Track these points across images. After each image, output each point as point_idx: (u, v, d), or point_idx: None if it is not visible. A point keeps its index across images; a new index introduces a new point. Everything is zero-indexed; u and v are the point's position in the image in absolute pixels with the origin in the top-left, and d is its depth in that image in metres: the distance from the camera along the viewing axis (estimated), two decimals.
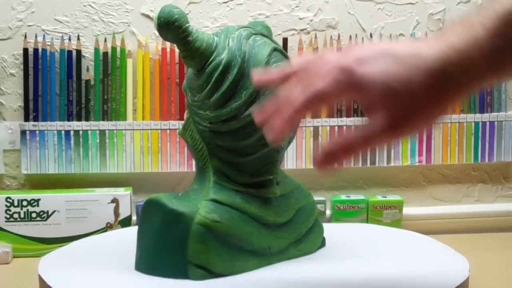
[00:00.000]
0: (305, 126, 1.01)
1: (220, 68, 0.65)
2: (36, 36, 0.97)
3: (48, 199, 0.90)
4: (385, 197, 1.00)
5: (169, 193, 0.68)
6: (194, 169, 0.98)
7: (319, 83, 0.49)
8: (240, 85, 0.65)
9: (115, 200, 0.91)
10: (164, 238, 0.65)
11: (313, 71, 0.50)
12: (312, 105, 0.50)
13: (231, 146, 0.67)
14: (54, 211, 0.90)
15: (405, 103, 0.47)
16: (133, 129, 0.98)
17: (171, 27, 0.63)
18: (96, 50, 0.98)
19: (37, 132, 0.97)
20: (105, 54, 0.98)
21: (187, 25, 0.64)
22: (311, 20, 1.03)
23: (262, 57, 0.66)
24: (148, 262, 0.66)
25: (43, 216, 0.89)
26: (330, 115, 1.02)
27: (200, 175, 0.70)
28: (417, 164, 1.05)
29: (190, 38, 0.64)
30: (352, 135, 0.50)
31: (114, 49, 0.98)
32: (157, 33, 0.65)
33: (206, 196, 0.67)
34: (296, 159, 1.01)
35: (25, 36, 0.97)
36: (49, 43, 0.97)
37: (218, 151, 0.68)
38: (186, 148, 0.99)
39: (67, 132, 0.97)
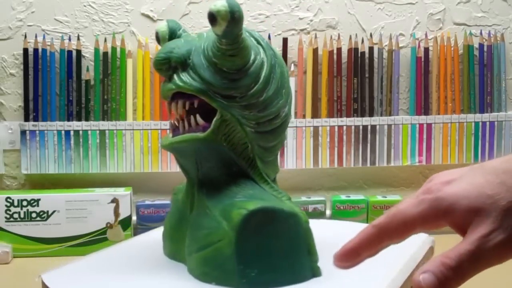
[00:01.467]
0: (305, 126, 1.01)
1: (267, 67, 0.64)
2: (36, 36, 0.97)
3: (48, 199, 0.90)
4: (385, 197, 1.00)
5: (257, 200, 0.62)
6: None
7: (402, 206, 0.45)
8: (281, 84, 0.65)
9: (115, 200, 0.91)
10: (288, 244, 0.60)
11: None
12: (391, 225, 0.45)
13: (268, 145, 0.66)
14: (54, 211, 0.90)
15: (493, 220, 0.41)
16: (133, 129, 0.98)
17: (241, 21, 0.59)
18: (96, 50, 0.98)
19: (37, 132, 0.97)
20: (105, 54, 0.98)
21: None
22: (311, 20, 1.03)
23: (280, 57, 0.68)
24: (271, 275, 0.60)
25: (43, 216, 0.89)
26: (330, 115, 1.02)
27: (237, 179, 0.65)
28: (417, 164, 1.05)
29: (242, 34, 0.61)
30: (459, 259, 0.43)
31: (114, 49, 0.98)
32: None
33: (283, 196, 0.65)
34: (296, 159, 1.01)
35: (25, 36, 0.97)
36: (49, 43, 0.97)
37: (260, 151, 0.65)
38: None
39: (67, 132, 0.97)
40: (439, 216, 0.43)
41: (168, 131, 0.68)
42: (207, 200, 0.63)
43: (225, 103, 0.62)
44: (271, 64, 0.65)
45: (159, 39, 0.66)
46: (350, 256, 0.45)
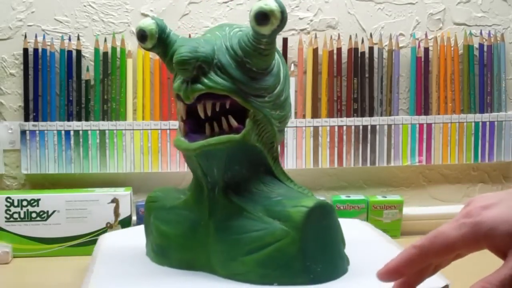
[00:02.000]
0: (305, 126, 1.01)
1: (284, 66, 0.65)
2: (36, 36, 0.97)
3: (48, 199, 0.90)
4: (385, 197, 1.00)
5: (305, 197, 0.64)
6: None
7: (443, 228, 0.47)
8: (288, 83, 0.66)
9: (115, 200, 0.91)
10: (336, 235, 0.63)
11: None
12: (432, 247, 0.46)
13: (279, 143, 0.68)
14: (54, 211, 0.90)
15: None
16: (133, 129, 0.98)
17: (286, 21, 0.59)
18: (96, 50, 0.98)
19: (37, 132, 0.97)
20: (105, 54, 0.98)
21: None
22: (311, 20, 1.03)
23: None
24: (331, 268, 0.62)
25: (43, 216, 0.89)
26: (330, 115, 1.02)
27: (264, 179, 0.65)
28: (417, 164, 1.05)
29: None
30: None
31: (114, 49, 0.98)
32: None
33: (307, 191, 0.68)
34: (296, 159, 1.01)
35: (25, 36, 0.97)
36: (49, 43, 0.97)
37: (276, 150, 0.67)
38: None
39: (67, 132, 0.97)
40: (479, 239, 0.45)
41: (178, 133, 0.64)
42: (240, 202, 0.62)
43: (258, 103, 0.61)
44: (283, 63, 0.66)
45: (145, 36, 0.62)
46: (392, 275, 0.48)
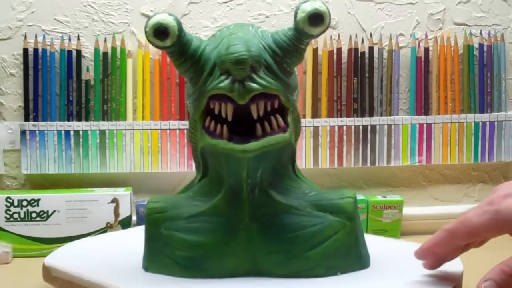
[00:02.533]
0: (305, 126, 1.01)
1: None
2: (36, 36, 0.97)
3: (48, 199, 0.90)
4: (385, 197, 1.00)
5: (340, 189, 0.69)
6: (194, 169, 0.98)
7: (470, 214, 0.52)
8: None
9: (115, 200, 0.91)
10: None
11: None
12: (459, 231, 0.53)
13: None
14: (54, 211, 0.90)
15: None
16: (133, 129, 0.98)
17: None
18: (96, 50, 0.98)
19: (37, 132, 0.97)
20: (105, 54, 0.98)
21: None
22: None
23: None
24: (367, 251, 0.66)
25: (43, 216, 0.90)
26: (330, 115, 1.02)
27: (290, 176, 0.67)
28: (417, 164, 1.05)
29: None
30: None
31: (114, 49, 0.98)
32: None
33: (316, 185, 0.70)
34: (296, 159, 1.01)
35: (25, 36, 0.97)
36: (49, 43, 0.97)
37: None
38: (186, 148, 0.99)
39: (67, 132, 0.97)
40: (500, 226, 0.50)
41: (204, 137, 0.60)
42: (285, 200, 0.62)
43: (293, 102, 0.62)
44: None
45: (166, 33, 0.59)
46: (427, 254, 0.57)
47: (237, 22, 0.69)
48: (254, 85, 0.57)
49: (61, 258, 0.70)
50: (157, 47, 0.60)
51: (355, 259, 0.63)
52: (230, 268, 0.62)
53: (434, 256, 0.57)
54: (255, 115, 0.59)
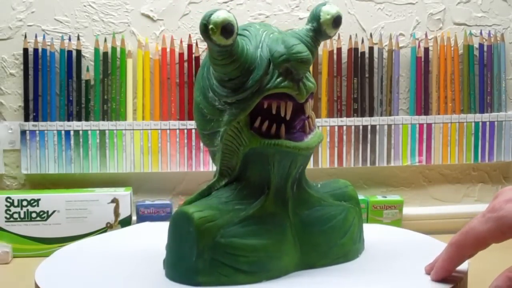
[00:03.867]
0: None
1: None
2: (36, 36, 0.97)
3: (48, 199, 0.90)
4: (385, 197, 1.00)
5: (336, 179, 0.73)
6: (194, 169, 0.98)
7: (473, 223, 0.52)
8: None
9: (115, 200, 0.91)
10: None
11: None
12: (466, 242, 0.52)
13: None
14: (54, 211, 0.90)
15: None
16: (133, 129, 0.98)
17: None
18: (96, 50, 0.98)
19: (37, 132, 0.97)
20: (105, 54, 0.98)
21: None
22: None
23: None
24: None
25: (43, 216, 0.90)
26: (330, 115, 1.02)
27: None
28: (417, 164, 1.05)
29: None
30: None
31: (114, 49, 0.98)
32: (203, 33, 0.55)
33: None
34: None
35: (25, 36, 0.97)
36: (49, 43, 0.97)
37: None
38: (186, 148, 0.99)
39: (67, 132, 0.97)
40: (505, 232, 0.50)
41: (259, 137, 0.60)
42: (316, 194, 0.67)
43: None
44: None
45: (233, 31, 0.56)
46: (442, 274, 0.56)
47: (263, 22, 0.70)
48: (310, 83, 0.60)
49: (51, 272, 0.64)
50: (217, 45, 0.56)
51: (361, 241, 0.68)
52: (285, 265, 0.63)
53: (447, 273, 0.57)
54: (307, 112, 0.61)
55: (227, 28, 0.55)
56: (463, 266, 0.62)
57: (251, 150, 0.61)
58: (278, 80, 0.58)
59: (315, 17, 0.61)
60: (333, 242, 0.65)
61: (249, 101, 0.60)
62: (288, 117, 0.60)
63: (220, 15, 0.56)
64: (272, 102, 0.59)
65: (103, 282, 0.60)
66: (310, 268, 0.64)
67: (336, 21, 0.61)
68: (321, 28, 0.61)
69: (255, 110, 0.60)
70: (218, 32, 0.55)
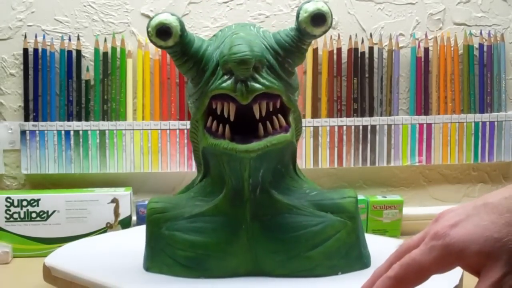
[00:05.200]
0: (305, 126, 1.01)
1: None
2: (36, 36, 0.97)
3: (48, 199, 0.90)
4: (385, 197, 1.00)
5: (341, 189, 0.69)
6: (194, 169, 0.98)
7: (414, 254, 0.46)
8: None
9: (115, 200, 0.91)
10: None
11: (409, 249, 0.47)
12: (407, 276, 0.45)
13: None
14: (54, 211, 0.90)
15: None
16: (133, 129, 0.98)
17: None
18: (96, 50, 0.98)
19: (37, 132, 0.97)
20: (105, 54, 0.98)
21: None
22: None
23: None
24: (368, 252, 0.66)
25: (43, 216, 0.89)
26: (330, 115, 1.02)
27: (290, 176, 0.67)
28: (417, 164, 1.05)
29: None
30: None
31: (114, 49, 0.98)
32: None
33: (316, 184, 0.70)
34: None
35: (25, 36, 0.97)
36: (49, 43, 0.97)
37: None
38: (186, 148, 0.99)
39: (67, 132, 0.97)
40: (452, 261, 0.44)
41: (205, 137, 0.60)
42: (286, 200, 0.62)
43: (295, 102, 0.63)
44: None
45: (168, 33, 0.58)
46: None
47: (239, 22, 0.69)
48: (257, 85, 0.57)
49: (62, 259, 0.71)
50: (159, 47, 0.60)
51: (356, 259, 0.63)
52: (232, 267, 0.62)
53: None
54: (257, 115, 0.58)
55: (161, 31, 0.58)
56: (457, 273, 0.61)
57: (205, 149, 0.63)
58: (219, 81, 0.58)
59: (296, 16, 0.59)
60: (295, 253, 0.62)
61: (200, 101, 0.61)
62: (232, 118, 0.59)
63: (156, 19, 0.59)
64: (218, 103, 0.59)
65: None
66: (267, 275, 0.62)
67: (314, 18, 0.58)
68: (301, 26, 0.59)
69: (211, 109, 0.60)
70: (154, 35, 0.59)
